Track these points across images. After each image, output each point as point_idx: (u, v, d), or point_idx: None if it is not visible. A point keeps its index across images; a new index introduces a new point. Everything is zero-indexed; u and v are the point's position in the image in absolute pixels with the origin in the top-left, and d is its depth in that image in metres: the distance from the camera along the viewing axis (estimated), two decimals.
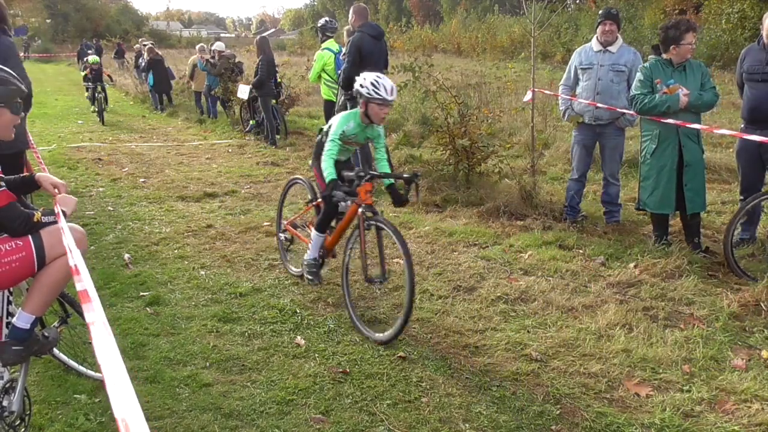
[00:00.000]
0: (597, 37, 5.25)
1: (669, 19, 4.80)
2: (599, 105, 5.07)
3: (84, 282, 1.74)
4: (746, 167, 4.78)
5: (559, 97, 5.57)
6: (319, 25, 8.58)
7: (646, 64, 4.72)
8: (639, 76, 4.69)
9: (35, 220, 2.44)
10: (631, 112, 4.94)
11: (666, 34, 4.53)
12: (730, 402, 2.88)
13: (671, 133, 4.54)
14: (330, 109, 8.04)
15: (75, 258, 1.96)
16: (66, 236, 2.25)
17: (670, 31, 4.49)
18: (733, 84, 5.21)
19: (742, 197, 4.94)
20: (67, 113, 14.57)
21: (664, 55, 4.58)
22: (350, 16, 6.93)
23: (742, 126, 4.78)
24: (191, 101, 14.42)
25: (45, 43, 43.65)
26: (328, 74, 8.04)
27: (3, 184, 2.36)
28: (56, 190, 2.70)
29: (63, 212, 2.50)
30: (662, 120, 4.51)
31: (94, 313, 1.54)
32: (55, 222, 2.51)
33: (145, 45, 16.46)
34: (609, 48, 5.17)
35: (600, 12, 5.34)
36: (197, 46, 13.88)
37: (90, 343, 3.26)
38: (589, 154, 5.50)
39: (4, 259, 2.36)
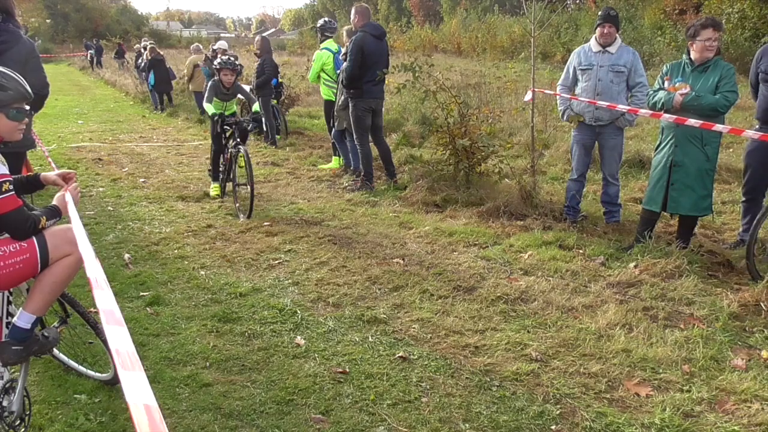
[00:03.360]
0: (596, 38, 5.25)
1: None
2: (600, 103, 5.07)
3: (93, 270, 1.76)
4: (758, 168, 4.74)
5: (558, 97, 5.57)
6: (318, 25, 8.59)
7: (668, 63, 4.74)
8: (660, 73, 4.75)
9: (41, 226, 2.45)
10: (627, 108, 4.99)
11: (687, 30, 4.49)
12: (730, 402, 2.88)
13: (671, 131, 4.53)
14: (330, 109, 8.05)
15: (81, 247, 1.97)
16: (75, 225, 2.25)
17: (691, 28, 4.42)
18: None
19: (744, 198, 4.93)
20: (67, 113, 14.56)
21: (691, 54, 4.48)
22: (353, 15, 6.94)
23: (756, 127, 4.74)
24: (191, 101, 14.40)
25: (45, 43, 43.55)
26: (327, 74, 8.04)
27: (12, 188, 2.34)
28: (63, 181, 2.71)
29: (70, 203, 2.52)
30: (661, 117, 4.51)
31: (103, 292, 1.56)
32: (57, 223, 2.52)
33: (145, 47, 16.45)
34: (608, 49, 5.17)
35: (599, 13, 5.33)
36: (192, 46, 13.82)
37: (91, 343, 3.28)
38: (588, 153, 5.50)
39: (8, 260, 2.35)
